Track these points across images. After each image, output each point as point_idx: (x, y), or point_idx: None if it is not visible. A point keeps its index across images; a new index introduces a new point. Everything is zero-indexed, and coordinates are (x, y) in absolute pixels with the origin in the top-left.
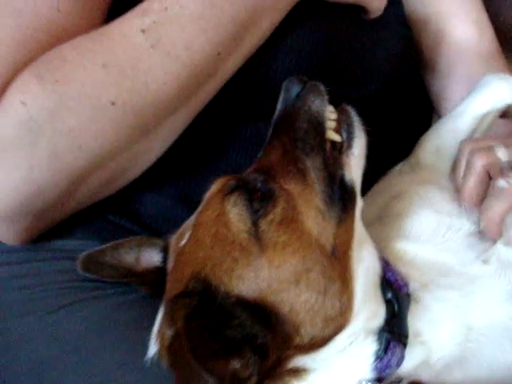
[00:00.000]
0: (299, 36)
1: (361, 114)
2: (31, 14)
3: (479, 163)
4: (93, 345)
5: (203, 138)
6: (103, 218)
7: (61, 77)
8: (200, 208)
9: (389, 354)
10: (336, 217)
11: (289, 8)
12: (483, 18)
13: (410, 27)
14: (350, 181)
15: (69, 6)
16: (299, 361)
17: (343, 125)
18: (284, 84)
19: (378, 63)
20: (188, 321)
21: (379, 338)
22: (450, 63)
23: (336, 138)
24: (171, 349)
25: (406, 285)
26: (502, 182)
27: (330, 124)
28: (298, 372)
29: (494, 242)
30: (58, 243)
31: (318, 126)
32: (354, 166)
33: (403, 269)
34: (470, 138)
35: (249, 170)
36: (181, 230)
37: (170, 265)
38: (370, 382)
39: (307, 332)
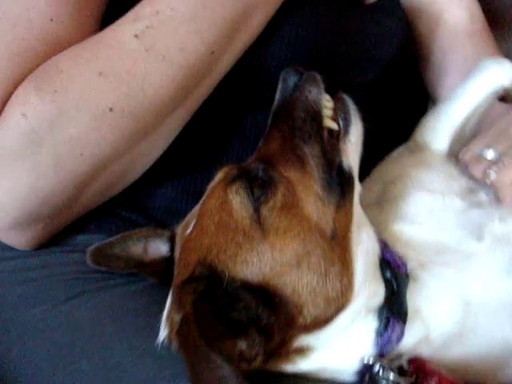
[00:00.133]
0: (294, 25)
1: (361, 101)
2: (26, 25)
3: (476, 176)
4: (106, 331)
5: (205, 132)
6: (113, 213)
7: (59, 87)
8: (204, 197)
9: (389, 330)
10: (335, 202)
11: None
12: (474, 1)
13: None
14: (348, 167)
15: (62, 16)
16: (303, 340)
17: (340, 113)
18: (281, 75)
19: (377, 49)
20: (195, 305)
21: (379, 316)
22: (444, 50)
23: (333, 125)
24: (180, 332)
25: (404, 264)
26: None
27: (327, 112)
28: (302, 351)
29: (488, 216)
30: (67, 238)
31: (315, 114)
32: (352, 153)
33: (401, 249)
34: (466, 126)
35: (250, 159)
36: (186, 219)
37: (177, 254)
38: (371, 357)
39: (310, 312)
